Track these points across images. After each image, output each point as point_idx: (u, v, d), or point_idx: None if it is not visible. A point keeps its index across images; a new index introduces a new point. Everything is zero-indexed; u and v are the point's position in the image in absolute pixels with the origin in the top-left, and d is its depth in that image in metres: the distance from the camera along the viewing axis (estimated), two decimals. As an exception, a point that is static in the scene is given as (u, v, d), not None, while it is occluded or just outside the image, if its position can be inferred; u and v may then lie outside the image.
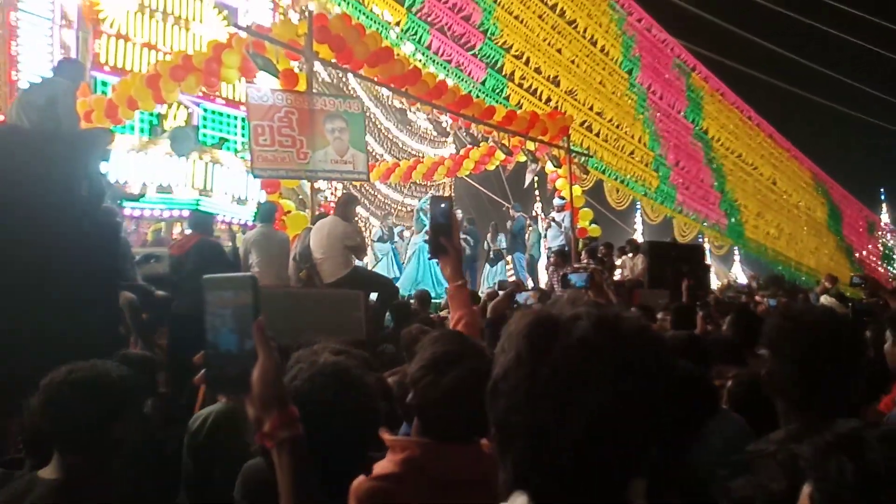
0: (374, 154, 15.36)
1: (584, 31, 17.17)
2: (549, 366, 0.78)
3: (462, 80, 14.38)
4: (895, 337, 2.53)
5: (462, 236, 12.48)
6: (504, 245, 12.66)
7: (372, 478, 1.51)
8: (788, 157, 24.40)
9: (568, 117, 12.96)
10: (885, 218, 34.85)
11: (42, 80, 6.90)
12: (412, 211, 16.54)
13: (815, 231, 25.12)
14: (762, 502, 1.19)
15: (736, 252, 28.42)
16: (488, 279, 12.33)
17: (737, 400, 2.50)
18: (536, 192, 16.22)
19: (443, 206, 2.11)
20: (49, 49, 9.95)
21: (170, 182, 10.10)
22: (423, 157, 15.40)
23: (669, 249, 11.07)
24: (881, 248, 30.83)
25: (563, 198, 12.01)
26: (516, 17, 15.70)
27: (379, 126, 16.52)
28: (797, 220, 24.23)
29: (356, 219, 8.39)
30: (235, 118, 11.77)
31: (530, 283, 11.62)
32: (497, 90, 15.12)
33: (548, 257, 11.67)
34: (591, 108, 16.97)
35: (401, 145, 17.56)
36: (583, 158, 13.29)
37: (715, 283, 16.42)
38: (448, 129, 10.80)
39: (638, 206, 23.06)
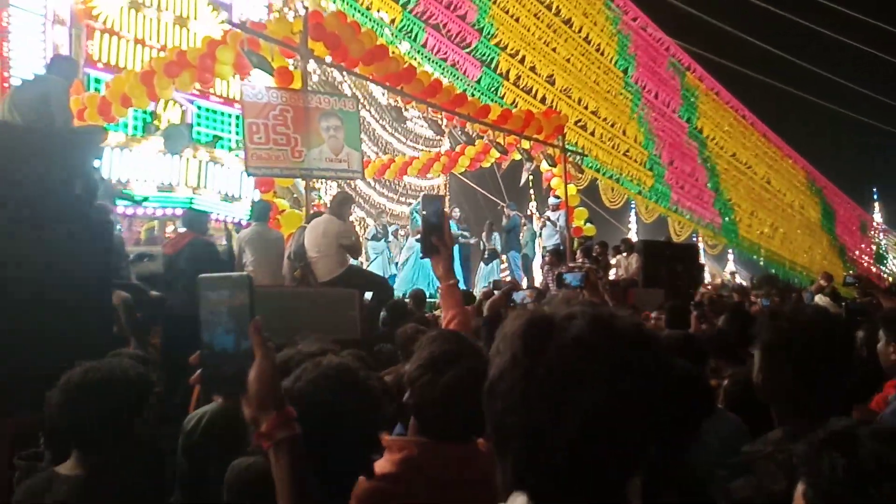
0: (366, 154, 15.34)
1: (580, 29, 17.16)
2: (544, 365, 0.78)
3: (457, 78, 14.36)
4: (888, 336, 2.55)
5: (460, 231, 12.50)
6: (499, 244, 12.65)
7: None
8: (782, 157, 24.46)
9: (563, 116, 12.95)
10: (877, 217, 35.05)
11: (35, 77, 6.86)
12: (400, 215, 16.58)
13: (808, 230, 25.19)
14: (763, 503, 1.18)
15: (730, 251, 28.52)
16: (483, 278, 12.32)
17: (733, 399, 2.50)
18: (531, 191, 16.23)
19: (435, 205, 2.11)
20: (42, 46, 9.89)
21: (163, 180, 10.06)
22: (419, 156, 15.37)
23: (664, 248, 11.08)
24: (874, 248, 30.98)
25: (558, 197, 12.02)
26: (511, 16, 15.68)
27: (372, 128, 16.50)
28: (791, 220, 24.28)
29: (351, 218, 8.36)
30: (229, 116, 11.73)
31: (525, 282, 11.63)
32: (492, 88, 15.11)
33: (543, 256, 11.68)
34: (585, 107, 16.97)
35: (395, 146, 17.53)
36: (578, 157, 13.30)
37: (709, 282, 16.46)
38: (444, 128, 10.76)
39: (632, 206, 23.10)
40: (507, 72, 15.49)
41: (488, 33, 15.16)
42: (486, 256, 12.77)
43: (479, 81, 14.99)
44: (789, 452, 1.10)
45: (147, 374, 1.97)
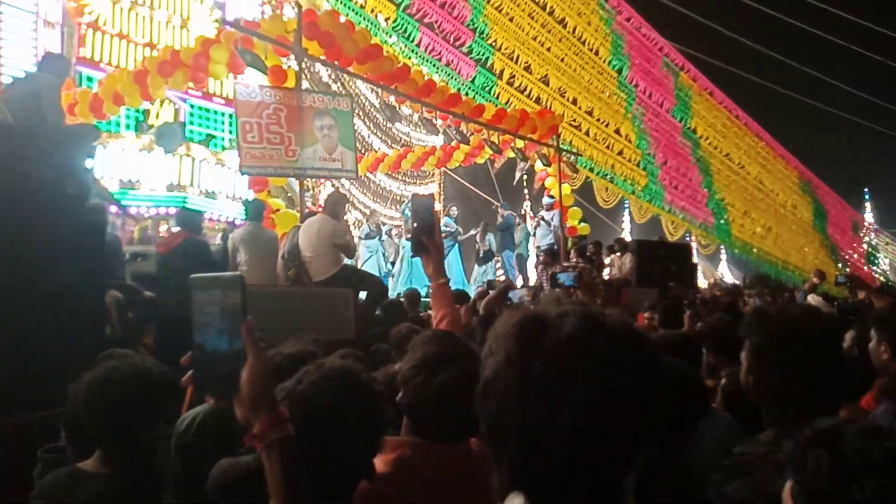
0: (366, 142, 15.30)
1: (574, 30, 17.19)
2: (539, 364, 0.78)
3: (451, 77, 14.36)
4: (880, 336, 2.54)
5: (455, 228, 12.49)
6: (494, 245, 12.66)
7: None
8: (775, 157, 24.56)
9: (558, 116, 12.96)
10: (868, 217, 35.22)
11: (26, 76, 6.83)
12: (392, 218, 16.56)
13: (801, 230, 25.31)
14: None
15: (723, 251, 28.62)
16: (478, 279, 12.32)
17: (731, 398, 2.49)
18: (525, 191, 16.25)
19: (425, 204, 2.10)
20: (33, 44, 9.83)
21: (155, 179, 10.04)
22: (413, 147, 15.28)
23: (657, 248, 11.12)
24: (865, 248, 31.14)
25: (552, 196, 12.03)
26: (506, 15, 15.68)
27: (372, 117, 16.44)
28: (783, 220, 24.38)
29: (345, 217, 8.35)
30: (223, 114, 11.70)
31: (520, 282, 11.64)
32: (486, 88, 15.12)
33: (537, 256, 11.69)
34: (579, 107, 16.99)
35: (394, 132, 17.42)
36: (572, 157, 13.31)
37: (703, 283, 16.54)
38: (438, 127, 10.76)
39: (626, 205, 23.16)
40: (502, 71, 15.51)
41: (482, 33, 15.17)
42: (481, 257, 12.76)
43: (473, 81, 14.99)
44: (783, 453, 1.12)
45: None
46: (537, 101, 15.78)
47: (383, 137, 16.94)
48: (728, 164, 22.08)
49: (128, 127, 10.26)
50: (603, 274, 10.35)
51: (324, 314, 5.77)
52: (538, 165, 12.26)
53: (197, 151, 10.66)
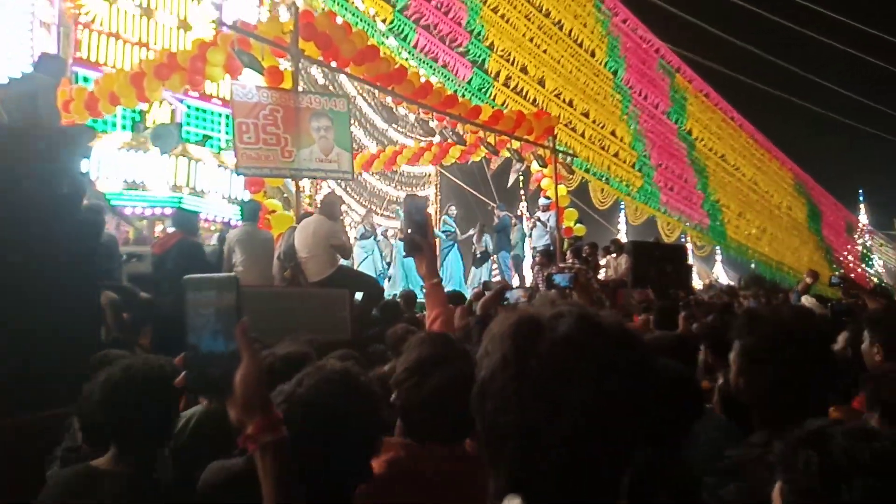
0: (361, 144, 15.24)
1: (570, 32, 17.21)
2: (535, 365, 0.78)
3: (448, 78, 14.35)
4: (873, 337, 2.54)
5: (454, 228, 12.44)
6: (490, 246, 12.64)
7: None
8: (770, 158, 24.63)
9: (554, 118, 12.96)
10: (863, 219, 35.35)
11: (22, 76, 6.79)
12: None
13: (795, 231, 25.37)
14: None
15: (718, 252, 28.68)
16: (474, 280, 12.31)
17: (727, 398, 2.50)
18: (521, 192, 16.25)
19: (418, 204, 2.09)
20: (29, 44, 9.80)
21: (151, 179, 10.02)
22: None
23: (653, 249, 11.11)
24: (859, 249, 31.25)
25: (548, 197, 12.04)
26: (502, 17, 15.69)
27: (368, 119, 16.40)
28: (778, 221, 24.45)
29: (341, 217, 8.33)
30: (219, 115, 11.68)
31: (516, 282, 11.64)
32: (483, 89, 15.12)
33: (533, 257, 11.69)
34: (575, 108, 17.01)
35: (390, 136, 17.39)
36: (568, 158, 13.32)
37: (698, 284, 16.57)
38: (435, 128, 10.74)
39: (622, 206, 23.20)
40: (498, 73, 15.52)
41: (479, 34, 15.18)
42: (477, 258, 12.74)
43: (469, 82, 15.00)
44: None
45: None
46: (533, 102, 15.80)
47: (380, 138, 16.92)
48: (723, 166, 22.14)
49: (124, 127, 10.24)
50: (599, 275, 10.35)
51: (320, 315, 5.77)
52: (534, 166, 12.28)
53: (193, 152, 10.64)
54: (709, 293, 11.17)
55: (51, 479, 1.97)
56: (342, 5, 12.77)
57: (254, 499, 1.11)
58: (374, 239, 12.38)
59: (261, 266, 6.69)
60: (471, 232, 13.08)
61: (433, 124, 10.67)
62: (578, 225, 12.68)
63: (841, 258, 27.92)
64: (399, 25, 13.82)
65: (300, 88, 8.11)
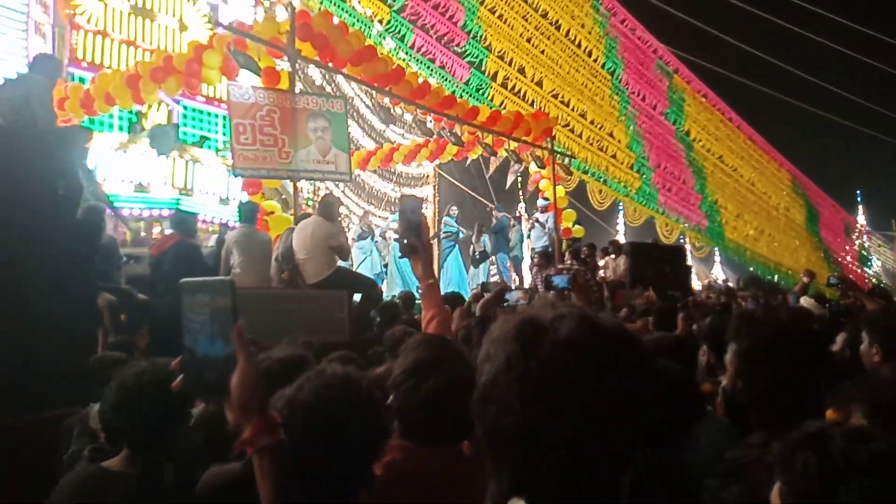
0: (359, 144, 15.18)
1: (567, 32, 17.21)
2: (538, 366, 0.79)
3: (446, 79, 14.33)
4: (871, 338, 2.53)
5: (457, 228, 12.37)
6: (488, 246, 12.62)
7: None
8: (768, 159, 24.66)
9: (552, 118, 12.94)
10: (861, 219, 35.40)
11: (17, 77, 6.76)
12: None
13: (793, 232, 25.41)
14: None
15: (717, 253, 28.71)
16: (472, 281, 12.29)
17: (731, 399, 2.50)
18: (520, 193, 16.24)
19: (413, 205, 2.08)
20: (24, 45, 9.76)
21: (149, 181, 9.99)
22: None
23: (651, 250, 11.12)
24: (857, 250, 31.30)
25: (546, 198, 12.03)
26: (500, 17, 15.68)
27: (366, 119, 16.34)
28: (776, 222, 24.48)
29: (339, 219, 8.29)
30: (216, 116, 11.64)
31: (514, 284, 11.62)
32: (480, 90, 15.10)
33: (531, 258, 11.67)
34: (573, 109, 17.01)
35: (388, 135, 17.33)
36: (566, 159, 13.30)
37: (697, 285, 16.57)
38: (432, 129, 10.69)
39: (620, 208, 23.20)
40: (496, 74, 15.51)
41: (476, 34, 15.17)
42: (476, 258, 12.72)
43: (467, 83, 14.98)
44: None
45: None
46: (531, 103, 15.79)
47: (377, 139, 16.88)
48: (721, 167, 22.16)
49: (121, 128, 10.20)
50: (597, 276, 10.35)
51: (318, 316, 5.76)
52: (532, 167, 12.26)
53: (190, 153, 10.61)
54: (707, 293, 11.17)
55: (64, 479, 2.00)
56: (339, 6, 12.74)
57: (252, 502, 1.11)
58: (372, 240, 12.34)
59: (258, 268, 6.67)
60: (467, 233, 13.03)
61: (430, 125, 10.62)
62: (577, 226, 12.67)
63: (839, 259, 27.97)
64: (396, 26, 13.80)
65: (297, 89, 8.10)
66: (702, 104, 21.56)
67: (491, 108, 12.49)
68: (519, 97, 15.73)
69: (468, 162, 13.02)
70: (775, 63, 22.31)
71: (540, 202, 12.16)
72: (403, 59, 13.27)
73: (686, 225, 20.54)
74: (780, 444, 0.93)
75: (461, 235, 12.59)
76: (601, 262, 11.17)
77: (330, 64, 8.27)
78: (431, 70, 14.20)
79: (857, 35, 21.86)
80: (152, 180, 10.05)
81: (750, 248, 22.90)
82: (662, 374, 1.84)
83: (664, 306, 5.40)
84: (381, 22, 13.66)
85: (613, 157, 18.14)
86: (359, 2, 13.52)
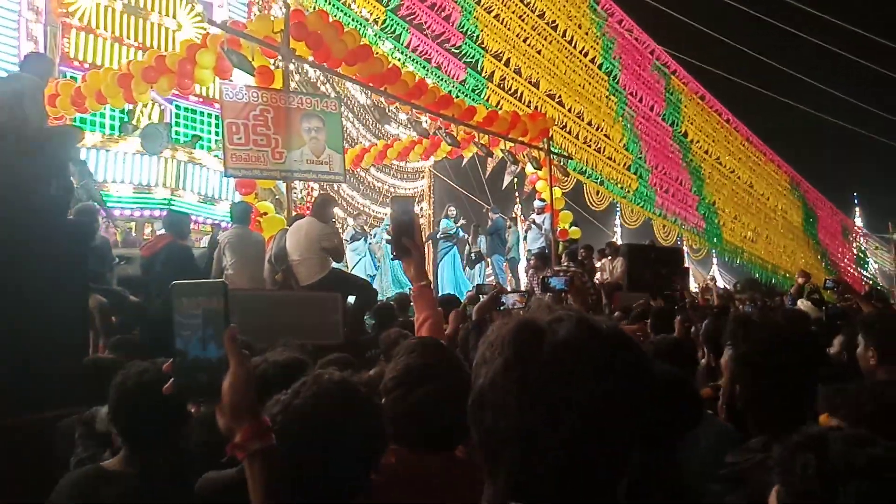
0: (355, 141, 15.13)
1: (564, 32, 17.19)
2: (536, 369, 0.79)
3: (442, 79, 14.29)
4: (867, 341, 2.52)
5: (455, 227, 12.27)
6: (484, 247, 12.56)
7: None
8: (766, 161, 24.68)
9: (549, 119, 12.91)
10: (858, 222, 35.48)
11: (8, 76, 6.70)
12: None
13: (791, 234, 25.44)
14: None
15: (714, 256, 28.75)
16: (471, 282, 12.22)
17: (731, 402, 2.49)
18: (516, 194, 16.21)
19: (405, 206, 2.07)
20: (15, 43, 9.69)
21: (140, 181, 9.94)
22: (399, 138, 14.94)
23: (648, 252, 11.13)
24: (855, 252, 31.36)
25: (543, 200, 11.99)
26: (496, 17, 15.65)
27: (362, 117, 16.29)
28: (774, 224, 24.51)
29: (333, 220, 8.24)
30: (209, 115, 11.58)
31: (510, 285, 11.58)
32: (477, 91, 15.07)
33: (528, 259, 11.63)
34: (570, 110, 16.99)
35: (385, 131, 17.27)
36: (563, 160, 13.26)
37: (694, 287, 16.55)
38: (428, 130, 10.64)
39: (618, 209, 23.19)
40: (492, 74, 15.48)
41: (472, 34, 15.14)
42: (472, 259, 12.66)
43: (463, 83, 14.95)
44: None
45: None
46: (528, 104, 15.76)
47: (372, 138, 16.84)
48: (719, 169, 22.17)
49: (112, 128, 10.14)
50: (594, 278, 10.32)
51: (312, 319, 5.72)
52: (529, 168, 12.21)
53: (182, 153, 10.56)
54: (704, 296, 11.16)
55: (63, 479, 2.03)
56: (334, 4, 12.69)
57: None
58: (366, 241, 12.27)
59: (251, 269, 6.62)
60: (457, 234, 12.93)
61: (426, 124, 10.57)
62: (573, 228, 12.64)
63: (837, 261, 28.02)
64: (391, 25, 13.75)
65: (293, 88, 8.04)
66: (699, 105, 21.57)
67: (488, 108, 12.44)
68: (515, 98, 15.70)
69: (464, 162, 12.96)
70: (773, 65, 22.37)
71: (536, 203, 12.13)
72: (400, 60, 13.23)
73: (683, 227, 20.54)
74: (780, 447, 0.94)
75: (461, 234, 12.46)
76: (598, 264, 11.15)
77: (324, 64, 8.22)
78: (427, 70, 14.16)
79: (855, 37, 21.91)
80: (144, 180, 10.00)
81: (747, 250, 22.92)
82: (660, 377, 1.82)
83: (662, 309, 5.38)
84: (376, 21, 13.62)
85: (610, 158, 18.13)
86: (354, 1, 13.47)
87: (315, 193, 13.09)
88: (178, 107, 11.21)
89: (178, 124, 11.09)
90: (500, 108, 14.00)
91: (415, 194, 18.49)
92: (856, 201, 37.21)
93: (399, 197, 2.39)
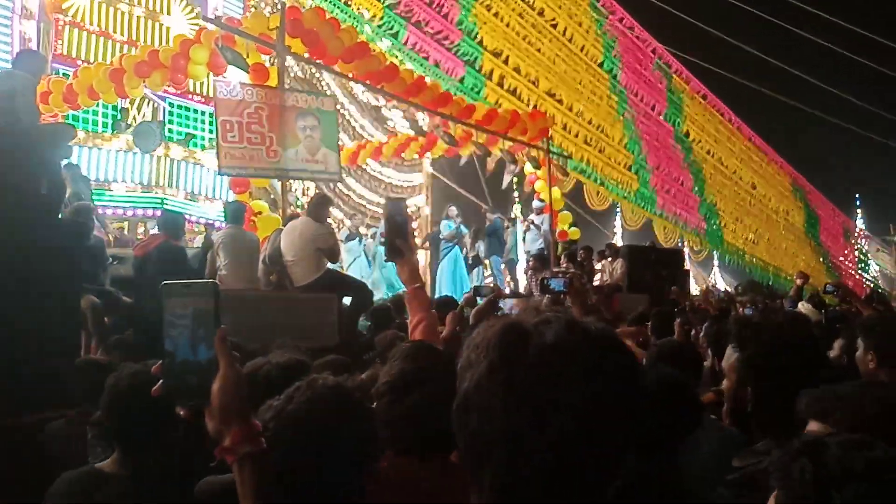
0: (358, 134, 15.05)
1: (564, 31, 17.14)
2: (523, 371, 0.79)
3: (440, 77, 14.22)
4: (867, 344, 2.52)
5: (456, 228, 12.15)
6: (482, 250, 12.45)
7: None
8: (768, 162, 24.66)
9: (548, 118, 12.84)
10: (860, 224, 35.48)
11: (0, 73, 6.64)
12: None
13: (793, 236, 25.42)
14: None
15: (715, 257, 28.69)
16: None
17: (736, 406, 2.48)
18: (515, 194, 16.14)
19: (398, 207, 2.08)
20: (7, 40, 9.64)
21: (132, 179, 9.90)
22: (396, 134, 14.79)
23: (649, 254, 11.12)
24: (857, 254, 31.34)
25: (542, 200, 11.91)
26: (495, 14, 15.60)
27: (353, 124, 16.21)
28: (775, 226, 24.48)
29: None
30: (203, 113, 11.52)
31: (507, 289, 11.48)
32: (475, 89, 15.01)
33: (527, 261, 11.55)
34: (570, 109, 16.94)
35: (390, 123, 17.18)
36: (562, 160, 13.17)
37: (695, 289, 16.51)
38: (425, 129, 10.56)
39: (618, 210, 23.15)
40: (491, 72, 15.42)
41: (471, 31, 15.08)
42: (469, 263, 12.55)
43: (462, 81, 14.89)
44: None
45: None
46: (527, 102, 15.70)
47: (373, 130, 16.74)
48: (720, 169, 22.13)
49: (105, 126, 10.08)
50: (594, 280, 10.26)
51: (307, 320, 5.66)
52: (528, 168, 12.13)
53: (176, 151, 10.50)
54: (706, 298, 11.10)
55: (58, 480, 2.04)
56: (330, 1, 12.61)
57: None
58: (360, 241, 12.16)
59: (245, 269, 6.55)
60: (453, 232, 12.80)
61: (423, 125, 10.49)
62: (573, 228, 12.57)
63: (838, 263, 28.00)
64: (389, 22, 13.69)
65: (288, 85, 7.98)
66: (701, 105, 21.53)
67: (488, 106, 12.36)
68: (514, 96, 15.64)
69: (462, 161, 12.84)
70: (776, 64, 22.33)
71: (535, 204, 12.04)
72: (398, 57, 13.16)
73: (685, 228, 20.50)
74: (778, 452, 0.96)
75: (463, 231, 12.31)
76: (598, 266, 11.09)
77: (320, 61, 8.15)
78: (426, 67, 14.09)
79: (858, 37, 21.87)
80: (136, 178, 9.95)
81: (749, 251, 22.88)
82: (658, 380, 1.85)
83: (662, 311, 5.33)
84: (373, 18, 13.56)
85: (611, 158, 18.08)
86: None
87: (310, 192, 13.01)
88: (171, 104, 11.14)
89: (171, 122, 11.02)
90: (500, 107, 13.92)
91: (413, 188, 18.38)
92: (858, 202, 37.25)
93: (392, 198, 2.39)
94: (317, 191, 12.42)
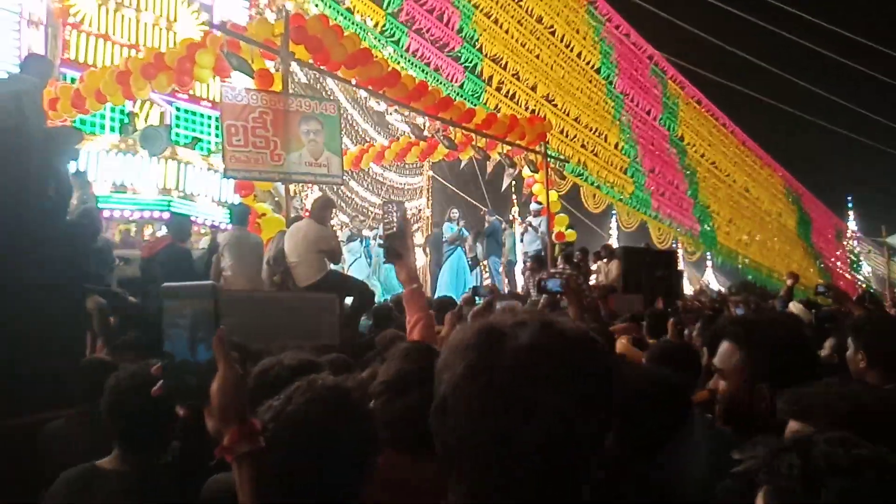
0: (362, 138, 15.07)
1: (563, 37, 17.25)
2: (501, 373, 0.79)
3: (441, 83, 14.32)
4: (857, 344, 2.52)
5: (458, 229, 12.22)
6: (481, 252, 12.55)
7: None
8: (761, 165, 24.78)
9: (546, 122, 12.93)
10: (852, 225, 35.60)
11: (8, 77, 6.71)
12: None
13: (785, 238, 25.52)
14: None
15: (709, 258, 28.81)
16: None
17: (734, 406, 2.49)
18: (514, 196, 16.22)
19: (396, 209, 2.10)
20: (16, 45, 9.70)
21: (139, 182, 9.96)
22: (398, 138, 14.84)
23: (643, 255, 11.17)
24: (849, 256, 31.47)
25: (539, 202, 12.02)
26: (495, 21, 15.69)
27: (356, 128, 16.29)
28: (768, 227, 24.60)
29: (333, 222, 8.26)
30: (209, 117, 11.59)
31: (507, 288, 11.59)
32: (475, 94, 15.10)
33: (524, 262, 11.66)
34: (567, 113, 17.04)
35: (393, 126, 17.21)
36: (560, 163, 13.29)
37: (689, 290, 16.62)
38: (426, 133, 10.65)
39: (614, 212, 23.26)
40: (490, 78, 15.52)
41: (471, 38, 15.18)
42: (469, 265, 12.65)
43: (462, 86, 14.98)
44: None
45: None
46: (525, 107, 15.80)
47: (375, 135, 16.80)
48: (714, 172, 22.25)
49: (112, 129, 10.16)
50: (590, 281, 10.37)
51: (309, 320, 5.72)
52: (526, 171, 12.24)
53: (182, 154, 10.58)
54: (699, 298, 11.22)
55: (59, 478, 2.04)
56: (334, 8, 12.71)
57: None
58: (361, 243, 12.25)
59: (249, 271, 6.64)
60: (452, 234, 12.88)
61: (425, 130, 10.57)
62: (570, 230, 12.67)
63: (830, 264, 28.11)
64: (391, 29, 13.78)
65: (292, 90, 8.07)
66: (695, 109, 21.65)
67: (487, 111, 12.46)
68: (513, 101, 15.74)
69: (462, 165, 12.96)
70: (769, 69, 22.46)
71: (533, 206, 12.15)
72: (400, 64, 13.25)
73: (679, 230, 20.61)
74: (766, 450, 0.95)
75: (465, 234, 12.40)
76: (594, 267, 11.19)
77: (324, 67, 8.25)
78: (427, 73, 14.19)
79: (850, 42, 22.02)
80: (143, 182, 10.01)
81: (742, 252, 22.99)
82: (647, 380, 1.83)
83: (657, 312, 5.42)
84: (376, 25, 13.64)
85: (607, 160, 18.18)
86: (353, 7, 13.48)
87: (311, 194, 13.08)
88: (178, 108, 11.22)
89: (177, 126, 11.10)
90: (499, 112, 14.03)
91: (414, 190, 18.45)
92: (849, 203, 37.38)
93: (390, 201, 2.43)
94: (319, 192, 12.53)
